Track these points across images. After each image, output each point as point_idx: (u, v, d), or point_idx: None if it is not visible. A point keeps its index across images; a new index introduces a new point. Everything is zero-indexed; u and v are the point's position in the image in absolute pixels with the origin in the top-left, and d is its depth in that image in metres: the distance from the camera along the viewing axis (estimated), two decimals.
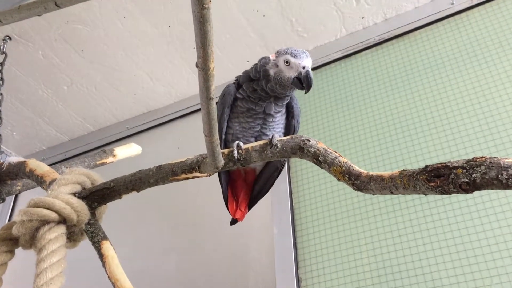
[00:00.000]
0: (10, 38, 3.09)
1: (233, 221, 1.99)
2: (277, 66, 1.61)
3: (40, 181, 1.73)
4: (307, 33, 3.24)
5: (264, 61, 1.66)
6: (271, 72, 1.62)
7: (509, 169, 1.00)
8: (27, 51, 3.26)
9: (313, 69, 3.25)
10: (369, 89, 3.03)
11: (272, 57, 1.66)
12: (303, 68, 1.59)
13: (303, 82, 1.59)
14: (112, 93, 3.67)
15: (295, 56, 1.60)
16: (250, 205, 1.97)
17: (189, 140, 3.58)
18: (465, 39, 2.87)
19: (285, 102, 1.71)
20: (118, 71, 3.48)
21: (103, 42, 3.25)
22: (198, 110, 3.63)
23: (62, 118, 3.87)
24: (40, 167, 1.77)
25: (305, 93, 1.66)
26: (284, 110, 1.73)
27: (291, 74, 1.60)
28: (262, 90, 1.64)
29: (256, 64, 1.71)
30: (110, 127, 3.97)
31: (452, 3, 2.96)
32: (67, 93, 3.64)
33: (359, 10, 3.13)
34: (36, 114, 3.80)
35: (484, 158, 1.05)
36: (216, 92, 1.09)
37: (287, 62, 1.60)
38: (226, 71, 3.46)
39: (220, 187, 1.94)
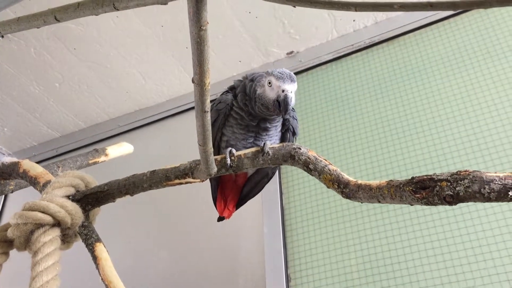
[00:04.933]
0: (2, 36, 3.09)
1: (220, 218, 2.02)
2: (263, 86, 1.63)
3: (33, 182, 1.74)
4: (299, 35, 3.28)
5: (258, 79, 1.68)
6: (258, 91, 1.64)
7: (491, 183, 1.05)
8: (19, 48, 3.26)
9: (304, 70, 3.33)
10: (359, 91, 3.07)
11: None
12: (283, 91, 1.59)
13: (280, 105, 1.59)
14: (104, 90, 3.67)
15: (277, 78, 1.60)
16: (238, 205, 2.00)
17: (181, 139, 3.60)
18: (453, 44, 2.92)
19: (276, 121, 1.72)
20: (110, 69, 3.49)
21: (96, 41, 3.26)
22: (190, 109, 3.65)
23: (54, 114, 3.87)
24: (34, 168, 1.78)
25: (282, 116, 1.68)
26: (279, 124, 1.75)
27: (272, 95, 1.60)
28: (252, 109, 1.67)
29: (253, 76, 1.72)
30: (102, 124, 3.98)
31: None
32: (59, 90, 3.64)
33: (350, 13, 3.16)
34: (27, 110, 3.80)
35: (467, 172, 1.09)
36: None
37: (269, 83, 1.61)
38: (219, 71, 3.48)
39: (210, 186, 1.98)
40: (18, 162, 1.85)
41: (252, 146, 1.69)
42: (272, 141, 1.73)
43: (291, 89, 1.60)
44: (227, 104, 1.72)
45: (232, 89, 1.80)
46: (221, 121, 1.74)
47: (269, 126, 1.70)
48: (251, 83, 1.69)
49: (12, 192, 2.17)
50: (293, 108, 1.75)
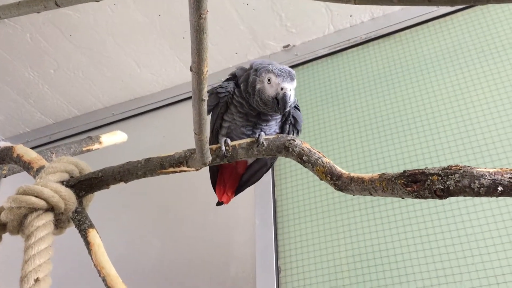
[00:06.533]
0: None
1: (219, 203, 2.03)
2: (263, 82, 1.64)
3: (27, 167, 1.74)
4: (295, 28, 3.28)
5: (260, 73, 1.66)
6: (258, 86, 1.64)
7: (481, 178, 1.06)
8: (15, 33, 3.24)
9: (300, 64, 3.34)
10: (354, 86, 3.09)
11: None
12: (282, 89, 1.59)
13: (279, 103, 1.59)
14: (99, 78, 3.66)
15: (277, 76, 1.60)
16: (236, 191, 2.02)
17: (174, 129, 3.60)
18: (448, 42, 2.95)
19: (276, 116, 1.72)
20: (106, 57, 3.48)
21: (92, 28, 3.25)
22: (185, 99, 3.65)
23: (48, 101, 3.86)
24: (28, 153, 1.78)
25: (280, 114, 1.68)
26: (279, 115, 1.75)
27: (271, 92, 1.60)
28: (251, 101, 1.67)
29: (258, 66, 1.71)
30: (96, 112, 3.97)
31: (438, 6, 3.01)
32: (53, 77, 3.63)
33: (347, 8, 3.17)
34: (21, 96, 3.78)
35: (458, 167, 1.10)
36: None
37: (269, 80, 1.61)
38: (215, 62, 3.48)
39: (208, 173, 1.98)
40: (12, 147, 1.84)
41: (251, 134, 1.70)
42: (271, 130, 1.74)
43: (290, 87, 1.60)
44: (228, 91, 1.72)
45: (234, 76, 1.80)
46: (221, 108, 1.74)
47: (270, 118, 1.71)
48: (254, 73, 1.68)
49: (5, 177, 2.18)
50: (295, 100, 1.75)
